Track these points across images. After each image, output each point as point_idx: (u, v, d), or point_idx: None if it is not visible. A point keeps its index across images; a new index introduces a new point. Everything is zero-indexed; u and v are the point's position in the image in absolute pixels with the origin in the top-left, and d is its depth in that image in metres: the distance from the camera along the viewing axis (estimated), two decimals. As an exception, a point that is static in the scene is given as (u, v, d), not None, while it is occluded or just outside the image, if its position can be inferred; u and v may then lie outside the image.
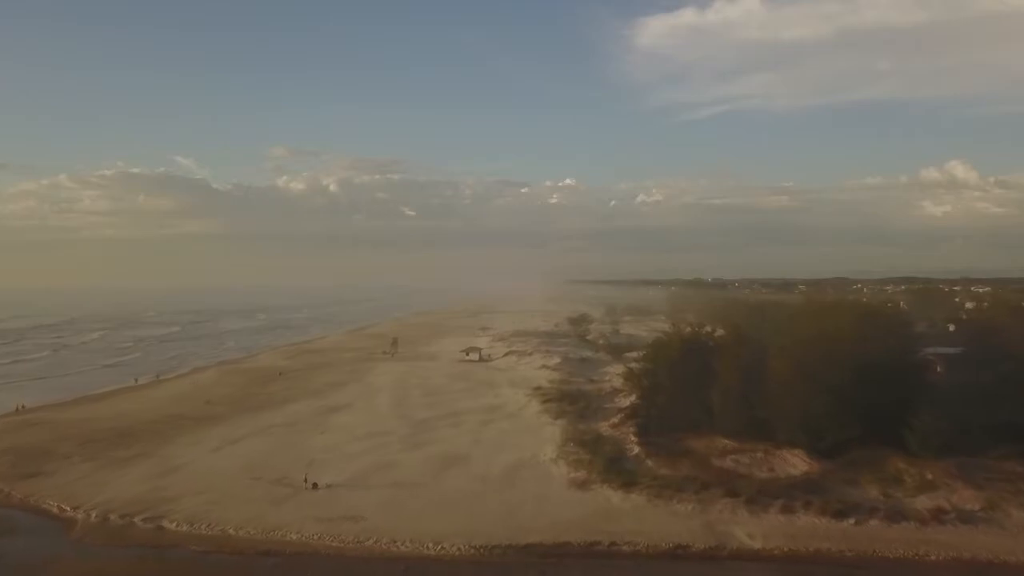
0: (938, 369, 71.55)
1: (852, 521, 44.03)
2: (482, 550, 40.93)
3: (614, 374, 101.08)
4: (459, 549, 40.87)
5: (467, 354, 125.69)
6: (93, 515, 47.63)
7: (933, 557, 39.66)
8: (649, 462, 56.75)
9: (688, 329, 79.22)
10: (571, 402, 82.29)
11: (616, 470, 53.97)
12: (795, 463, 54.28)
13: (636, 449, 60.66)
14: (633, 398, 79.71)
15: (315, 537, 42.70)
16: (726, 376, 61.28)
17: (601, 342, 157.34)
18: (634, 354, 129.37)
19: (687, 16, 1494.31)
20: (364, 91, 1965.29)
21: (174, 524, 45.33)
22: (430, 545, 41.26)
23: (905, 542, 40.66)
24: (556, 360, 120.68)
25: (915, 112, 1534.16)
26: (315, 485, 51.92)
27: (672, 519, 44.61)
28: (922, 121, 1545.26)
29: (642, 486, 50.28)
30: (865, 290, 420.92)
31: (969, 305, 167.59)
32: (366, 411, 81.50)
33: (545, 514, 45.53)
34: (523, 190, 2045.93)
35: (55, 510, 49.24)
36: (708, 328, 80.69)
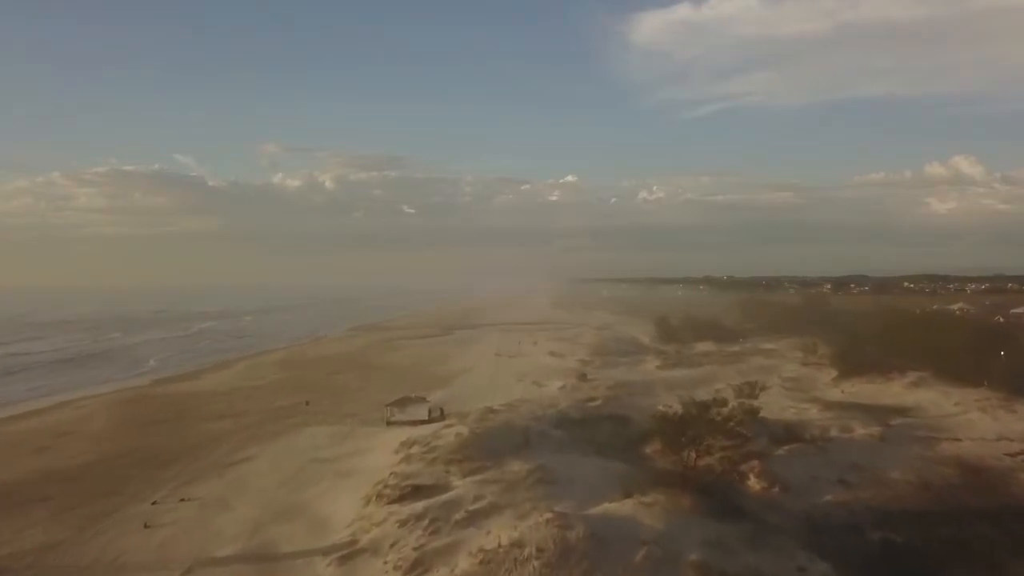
0: None
1: None
2: None
3: None
4: None
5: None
6: None
7: None
8: None
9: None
10: None
11: None
12: None
13: None
14: None
15: None
16: None
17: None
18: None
19: (682, 11, 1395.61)
20: (361, 88, 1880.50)
21: None
22: None
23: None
24: None
25: (918, 108, 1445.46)
26: None
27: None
28: (926, 117, 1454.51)
29: None
30: (906, 284, 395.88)
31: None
32: None
33: None
34: (524, 187, 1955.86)
35: None
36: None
